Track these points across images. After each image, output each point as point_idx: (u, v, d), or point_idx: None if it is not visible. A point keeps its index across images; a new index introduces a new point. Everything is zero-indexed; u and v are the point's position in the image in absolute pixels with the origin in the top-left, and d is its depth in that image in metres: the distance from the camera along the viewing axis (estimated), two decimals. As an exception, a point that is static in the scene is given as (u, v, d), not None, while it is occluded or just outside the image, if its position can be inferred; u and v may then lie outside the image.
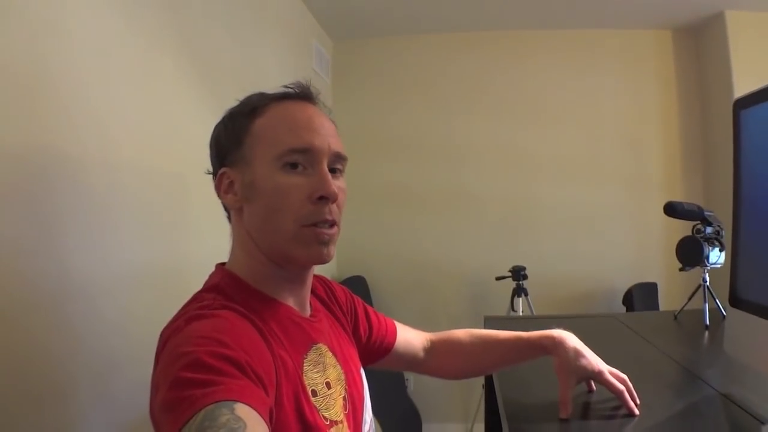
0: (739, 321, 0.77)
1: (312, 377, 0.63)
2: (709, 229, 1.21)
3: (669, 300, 2.63)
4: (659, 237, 2.73)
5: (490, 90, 2.88)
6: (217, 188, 0.68)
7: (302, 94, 0.69)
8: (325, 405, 0.62)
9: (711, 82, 2.70)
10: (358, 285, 2.70)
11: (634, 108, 2.82)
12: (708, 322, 1.22)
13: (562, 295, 2.77)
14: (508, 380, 0.95)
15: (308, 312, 0.71)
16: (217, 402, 0.44)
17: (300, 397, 0.58)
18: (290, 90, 0.69)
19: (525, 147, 2.85)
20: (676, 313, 1.38)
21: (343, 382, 0.69)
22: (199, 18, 1.43)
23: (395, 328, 0.90)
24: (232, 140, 0.66)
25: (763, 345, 0.70)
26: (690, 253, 1.20)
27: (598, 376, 0.79)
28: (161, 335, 0.57)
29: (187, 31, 1.35)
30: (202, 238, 1.34)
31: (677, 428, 0.75)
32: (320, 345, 0.67)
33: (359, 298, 0.88)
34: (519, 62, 2.87)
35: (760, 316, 0.69)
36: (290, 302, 0.68)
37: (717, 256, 1.19)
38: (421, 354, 0.93)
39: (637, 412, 0.76)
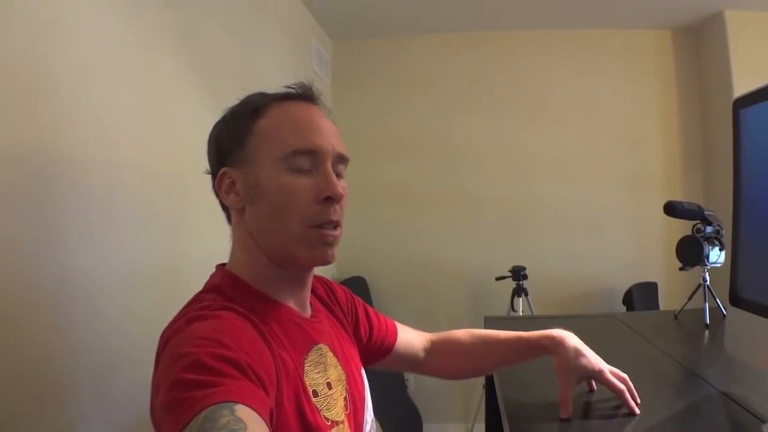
0: (739, 320, 0.77)
1: (313, 378, 0.63)
2: (709, 229, 1.21)
3: (669, 300, 2.63)
4: (659, 237, 2.73)
5: (490, 90, 2.88)
6: (218, 188, 0.67)
7: (304, 95, 0.69)
8: (326, 405, 0.62)
9: (711, 81, 2.70)
10: (357, 285, 2.70)
11: (634, 108, 2.82)
12: (708, 322, 1.22)
13: (562, 295, 2.77)
14: (509, 380, 0.95)
15: (309, 312, 0.71)
16: (217, 403, 0.44)
17: (301, 398, 0.58)
18: (292, 90, 0.69)
19: (525, 147, 2.85)
20: (677, 312, 1.38)
21: (344, 382, 0.69)
22: (199, 18, 1.43)
23: (396, 329, 0.90)
24: (234, 140, 0.66)
25: (764, 344, 0.70)
26: (690, 253, 1.20)
27: (598, 376, 0.79)
28: (162, 336, 0.57)
29: (187, 31, 1.35)
30: (202, 238, 1.34)
31: (678, 427, 0.75)
32: (321, 345, 0.67)
33: (360, 299, 0.88)
34: (519, 62, 2.87)
35: (761, 315, 0.69)
36: (291, 303, 0.68)
37: (717, 256, 1.19)
38: (422, 354, 0.92)
39: (637, 411, 0.76)
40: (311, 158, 0.63)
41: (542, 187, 2.84)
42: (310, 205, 0.62)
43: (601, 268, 2.79)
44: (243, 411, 0.44)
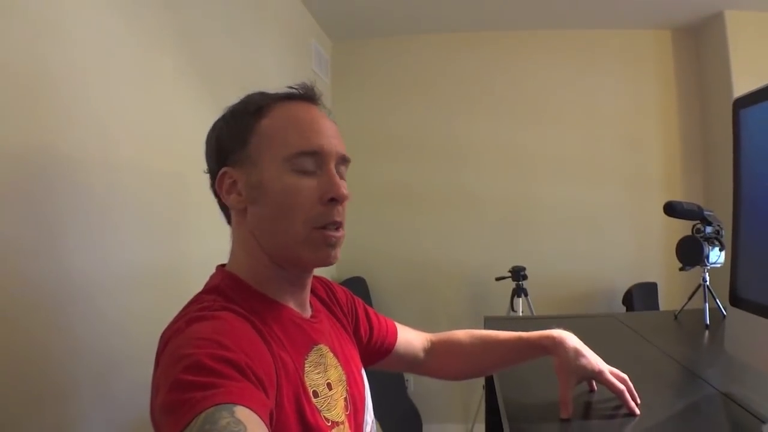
0: (739, 320, 0.77)
1: (313, 378, 0.63)
2: (708, 229, 1.21)
3: (669, 300, 2.63)
4: (659, 237, 2.73)
5: (490, 90, 2.88)
6: (218, 188, 0.67)
7: (306, 95, 0.69)
8: (326, 406, 0.62)
9: (710, 81, 2.70)
10: (357, 286, 2.70)
11: (634, 108, 2.82)
12: (708, 322, 1.22)
13: (562, 295, 2.77)
14: (509, 380, 0.95)
15: (309, 313, 0.71)
16: (217, 405, 0.44)
17: (301, 399, 0.58)
18: (294, 90, 0.69)
19: (525, 147, 2.85)
20: (677, 312, 1.38)
21: (345, 382, 0.69)
22: (199, 18, 1.43)
23: (396, 329, 0.90)
24: (236, 139, 0.65)
25: (764, 344, 0.70)
26: (690, 253, 1.20)
27: (598, 376, 0.79)
28: (162, 337, 0.57)
29: (187, 32, 1.35)
30: (202, 238, 1.34)
31: (678, 428, 0.75)
32: (321, 346, 0.67)
33: (360, 299, 0.88)
34: (519, 62, 2.87)
35: (761, 315, 0.69)
36: (291, 303, 0.68)
37: (717, 256, 1.19)
38: (422, 355, 0.92)
39: (637, 411, 0.76)
40: (315, 159, 0.64)
41: (542, 187, 2.84)
42: (315, 206, 0.63)
43: (600, 268, 2.79)
44: (243, 412, 0.44)
